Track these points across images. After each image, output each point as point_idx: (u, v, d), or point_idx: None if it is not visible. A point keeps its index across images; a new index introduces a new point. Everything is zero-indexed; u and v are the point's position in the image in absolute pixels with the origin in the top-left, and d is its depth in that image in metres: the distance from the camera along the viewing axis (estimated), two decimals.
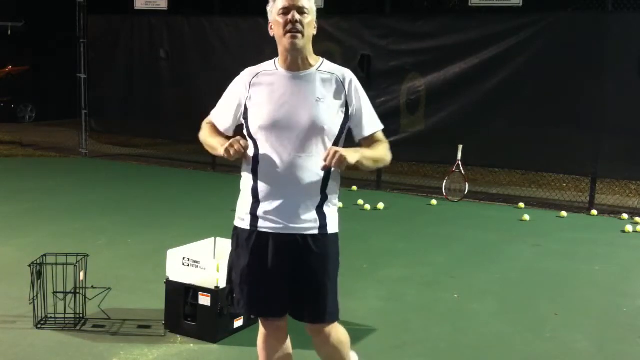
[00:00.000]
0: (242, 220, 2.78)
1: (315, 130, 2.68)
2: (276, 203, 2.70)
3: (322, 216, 2.73)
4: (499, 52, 8.54)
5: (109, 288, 4.27)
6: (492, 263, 5.92)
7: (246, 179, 2.78)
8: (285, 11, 2.67)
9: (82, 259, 4.07)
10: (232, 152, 2.61)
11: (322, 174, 2.69)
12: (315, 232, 2.72)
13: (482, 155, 8.77)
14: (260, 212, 2.72)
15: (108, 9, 11.56)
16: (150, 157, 11.47)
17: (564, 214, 8.04)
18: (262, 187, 2.71)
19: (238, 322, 4.04)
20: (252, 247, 2.73)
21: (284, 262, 2.71)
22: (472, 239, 6.77)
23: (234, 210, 2.82)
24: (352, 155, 2.62)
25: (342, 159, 2.56)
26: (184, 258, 3.99)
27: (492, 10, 8.94)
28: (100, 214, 7.17)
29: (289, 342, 2.95)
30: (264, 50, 9.66)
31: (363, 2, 14.57)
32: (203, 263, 3.96)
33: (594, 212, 8.16)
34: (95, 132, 11.95)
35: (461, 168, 8.56)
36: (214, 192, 8.84)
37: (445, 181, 8.70)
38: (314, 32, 2.75)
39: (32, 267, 3.94)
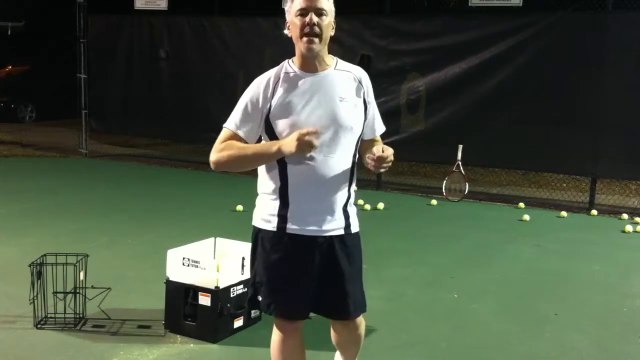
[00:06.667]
0: (267, 222, 2.67)
1: (343, 130, 2.61)
2: (307, 205, 2.62)
3: (346, 215, 2.72)
4: (499, 52, 8.54)
5: (109, 288, 4.27)
6: (492, 263, 5.92)
7: (270, 181, 2.67)
8: (303, 12, 2.58)
9: (82, 259, 4.07)
10: (303, 147, 2.48)
11: (349, 174, 2.66)
12: (342, 232, 2.71)
13: (482, 155, 8.77)
14: (290, 213, 2.63)
15: (108, 9, 11.56)
16: (150, 157, 11.45)
17: (564, 214, 8.04)
18: (292, 189, 2.61)
19: (238, 322, 4.04)
20: (280, 249, 2.65)
21: (312, 263, 2.66)
22: (472, 239, 6.77)
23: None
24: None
25: (390, 163, 2.56)
26: (184, 258, 3.99)
27: (492, 10, 8.94)
28: (100, 214, 7.17)
29: (302, 341, 2.89)
30: (264, 50, 9.80)
31: (363, 2, 14.56)
32: (203, 263, 3.96)
33: (594, 212, 8.16)
34: (95, 132, 11.94)
35: (461, 168, 8.56)
36: (214, 192, 8.83)
37: (445, 181, 8.70)
38: (332, 32, 2.67)
39: (32, 267, 3.94)
